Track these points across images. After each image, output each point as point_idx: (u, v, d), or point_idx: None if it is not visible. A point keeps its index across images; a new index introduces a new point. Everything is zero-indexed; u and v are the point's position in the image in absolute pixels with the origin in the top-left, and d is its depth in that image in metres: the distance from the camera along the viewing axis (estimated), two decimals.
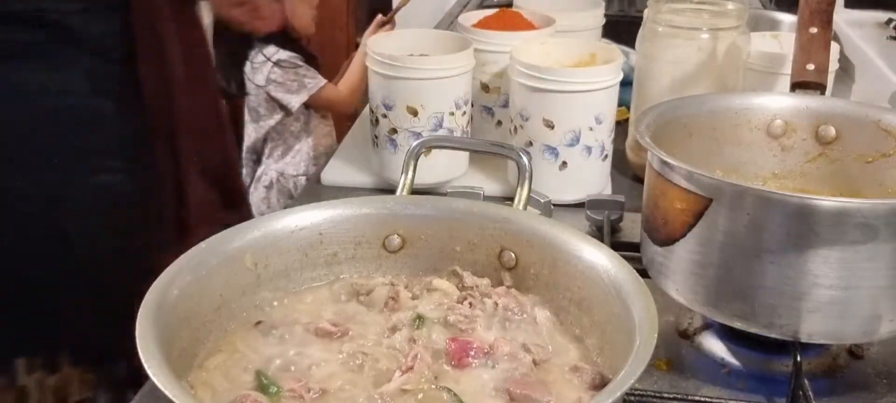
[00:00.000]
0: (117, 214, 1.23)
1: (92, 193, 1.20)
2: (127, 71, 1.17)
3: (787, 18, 1.65)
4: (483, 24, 1.24)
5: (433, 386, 0.60)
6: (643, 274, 0.70)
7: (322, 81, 2.16)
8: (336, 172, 1.21)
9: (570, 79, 1.04)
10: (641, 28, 1.15)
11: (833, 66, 1.12)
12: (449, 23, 2.01)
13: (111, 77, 1.17)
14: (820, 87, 0.92)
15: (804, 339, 0.73)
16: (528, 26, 1.25)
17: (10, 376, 1.36)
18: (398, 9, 2.17)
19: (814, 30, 0.94)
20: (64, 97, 1.16)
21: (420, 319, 0.67)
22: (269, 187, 2.20)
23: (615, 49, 1.13)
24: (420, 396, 0.60)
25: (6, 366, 1.33)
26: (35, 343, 1.32)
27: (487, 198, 1.04)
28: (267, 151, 2.21)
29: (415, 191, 0.79)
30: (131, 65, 1.17)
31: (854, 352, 0.81)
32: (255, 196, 2.19)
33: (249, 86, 2.15)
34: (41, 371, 1.35)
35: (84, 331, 1.30)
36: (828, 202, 0.69)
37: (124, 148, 1.21)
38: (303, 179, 2.17)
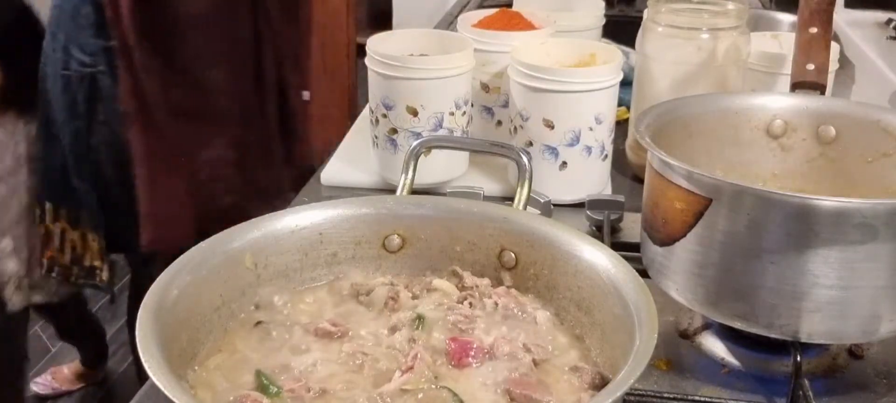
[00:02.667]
0: None
1: None
2: None
3: (787, 18, 1.65)
4: (483, 24, 1.24)
5: (433, 386, 0.60)
6: (643, 274, 0.70)
7: None
8: (336, 172, 1.21)
9: (570, 79, 1.04)
10: (641, 28, 1.15)
11: (833, 66, 1.12)
12: (449, 23, 2.01)
13: None
14: (820, 87, 0.92)
15: (804, 339, 0.73)
16: (528, 26, 1.25)
17: (40, 215, 1.67)
18: None
19: (814, 30, 0.94)
20: None
21: (420, 319, 0.67)
22: None
23: (615, 49, 1.13)
24: (420, 396, 0.60)
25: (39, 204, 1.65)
26: (64, 193, 1.61)
27: (487, 198, 1.04)
28: None
29: (415, 191, 0.79)
30: None
31: (854, 352, 0.81)
32: None
33: None
34: (65, 221, 1.64)
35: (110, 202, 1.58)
36: (828, 202, 0.69)
37: None
38: None
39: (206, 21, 1.51)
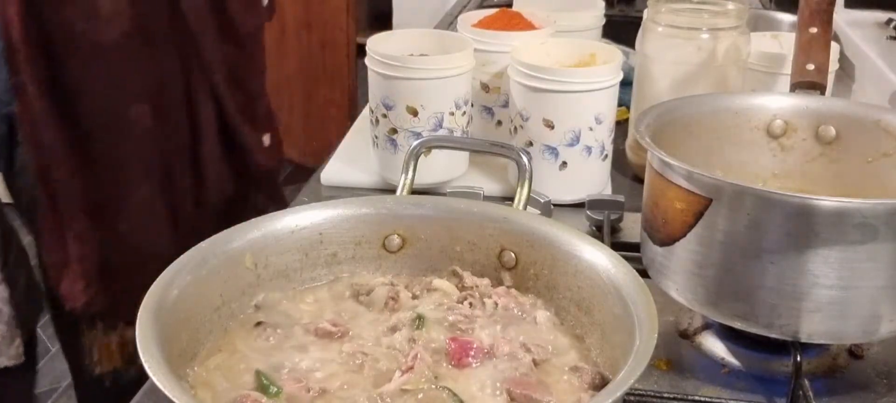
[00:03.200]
0: None
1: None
2: None
3: (787, 18, 1.65)
4: (483, 24, 1.24)
5: (433, 386, 0.60)
6: (643, 274, 0.70)
7: None
8: (336, 172, 1.21)
9: (570, 79, 1.04)
10: (641, 28, 1.15)
11: (833, 66, 1.12)
12: (449, 23, 2.01)
13: None
14: (820, 87, 0.92)
15: (804, 339, 0.73)
16: (528, 26, 1.25)
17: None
18: None
19: (814, 30, 0.94)
20: None
21: (420, 319, 0.67)
22: None
23: (615, 49, 1.13)
24: (420, 396, 0.60)
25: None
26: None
27: (487, 198, 1.04)
28: None
29: (415, 191, 0.79)
30: None
31: (854, 352, 0.81)
32: None
33: None
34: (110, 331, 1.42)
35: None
36: (828, 202, 0.69)
37: None
38: None
39: (117, 51, 1.24)
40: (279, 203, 1.49)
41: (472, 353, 0.63)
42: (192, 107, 1.34)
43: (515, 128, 1.09)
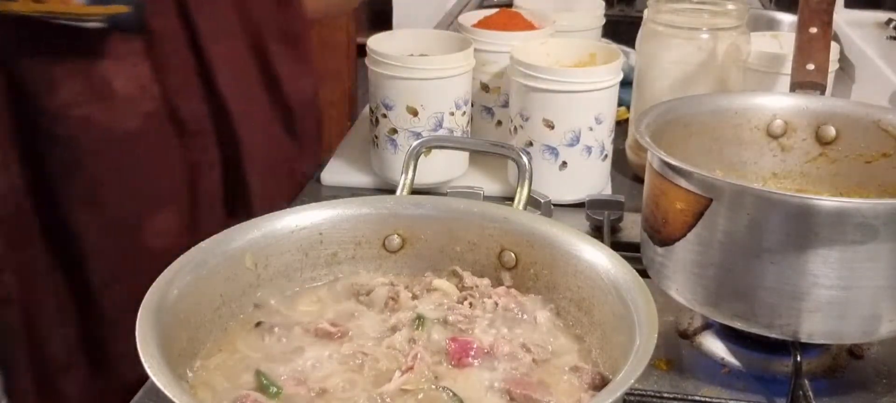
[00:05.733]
0: None
1: None
2: None
3: (787, 18, 1.65)
4: (483, 24, 1.24)
5: (433, 386, 0.60)
6: (643, 274, 0.70)
7: None
8: (336, 172, 1.21)
9: (570, 79, 1.04)
10: (641, 28, 1.15)
11: (833, 66, 1.12)
12: (449, 23, 2.01)
13: None
14: (820, 87, 0.92)
15: (804, 339, 0.73)
16: (528, 26, 1.25)
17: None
18: None
19: (814, 30, 0.94)
20: None
21: (420, 319, 0.67)
22: None
23: (615, 49, 1.13)
24: (420, 396, 0.60)
25: None
26: None
27: (487, 198, 1.04)
28: None
29: (415, 191, 0.79)
30: None
31: (854, 352, 0.81)
32: None
33: None
34: None
35: None
36: (828, 202, 0.69)
37: None
38: None
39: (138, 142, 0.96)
40: None
41: (472, 353, 0.63)
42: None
43: (515, 128, 1.09)
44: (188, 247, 0.81)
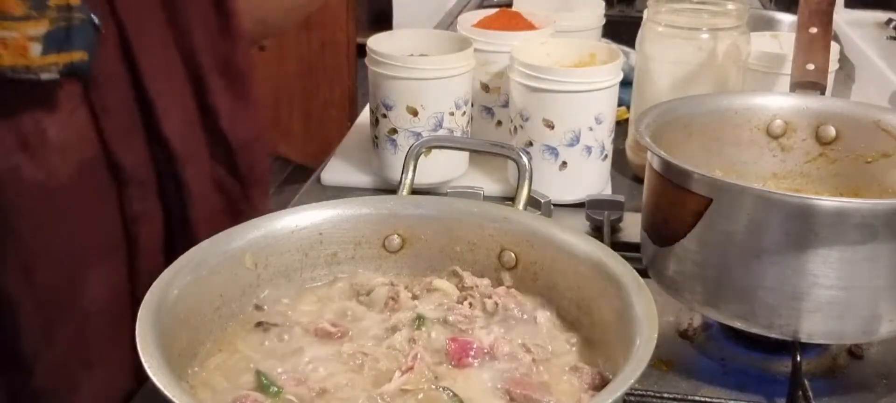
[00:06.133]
0: None
1: None
2: None
3: (787, 18, 1.65)
4: (483, 24, 1.24)
5: (433, 386, 0.60)
6: (643, 274, 0.70)
7: None
8: (336, 172, 1.21)
9: (570, 79, 1.04)
10: (641, 28, 1.15)
11: (833, 66, 1.12)
12: (449, 23, 2.01)
13: None
14: (820, 87, 0.92)
15: (804, 339, 0.73)
16: (528, 26, 1.25)
17: None
18: None
19: (814, 30, 0.94)
20: None
21: (420, 319, 0.67)
22: None
23: (615, 49, 1.13)
24: (420, 396, 0.60)
25: None
26: None
27: (487, 198, 1.04)
28: None
29: (415, 191, 0.79)
30: None
31: (854, 352, 0.81)
32: None
33: None
34: None
35: None
36: (828, 202, 0.69)
37: None
38: None
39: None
40: None
41: (472, 353, 0.63)
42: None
43: (515, 128, 1.09)
44: (129, 303, 0.79)
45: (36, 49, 0.79)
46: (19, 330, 0.88)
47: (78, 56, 0.81)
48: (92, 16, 0.82)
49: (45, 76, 0.80)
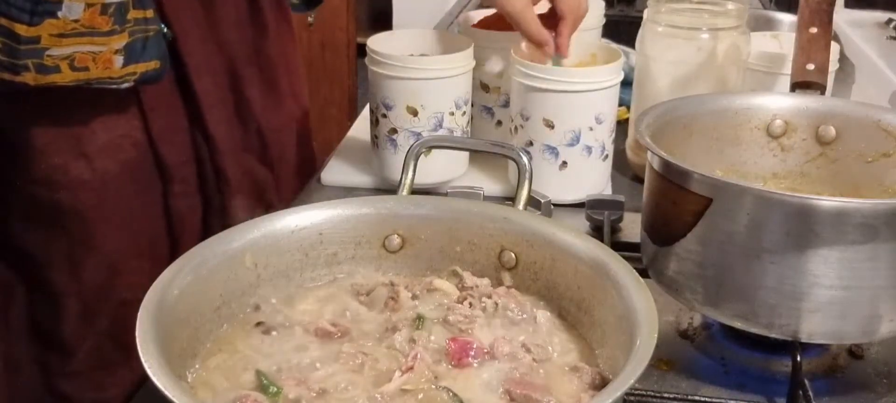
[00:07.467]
0: None
1: None
2: None
3: (787, 18, 1.65)
4: (483, 24, 1.24)
5: (433, 386, 0.60)
6: (643, 274, 0.70)
7: None
8: (336, 172, 1.21)
9: (570, 79, 1.04)
10: (641, 28, 1.15)
11: (833, 66, 1.12)
12: (449, 23, 2.01)
13: None
14: (820, 87, 0.92)
15: (804, 339, 0.73)
16: None
17: None
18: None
19: (814, 30, 0.94)
20: None
21: (420, 319, 0.67)
22: None
23: (615, 49, 1.13)
24: (420, 396, 0.60)
25: None
26: None
27: (487, 198, 1.04)
28: None
29: (415, 191, 0.79)
30: None
31: (854, 352, 0.81)
32: None
33: None
34: None
35: None
36: (828, 202, 0.69)
37: None
38: None
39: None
40: None
41: (472, 353, 0.63)
42: None
43: (515, 128, 1.09)
44: None
45: (118, 61, 0.85)
46: (62, 317, 0.93)
47: (152, 65, 0.87)
48: (162, 26, 0.86)
49: (124, 86, 0.85)
